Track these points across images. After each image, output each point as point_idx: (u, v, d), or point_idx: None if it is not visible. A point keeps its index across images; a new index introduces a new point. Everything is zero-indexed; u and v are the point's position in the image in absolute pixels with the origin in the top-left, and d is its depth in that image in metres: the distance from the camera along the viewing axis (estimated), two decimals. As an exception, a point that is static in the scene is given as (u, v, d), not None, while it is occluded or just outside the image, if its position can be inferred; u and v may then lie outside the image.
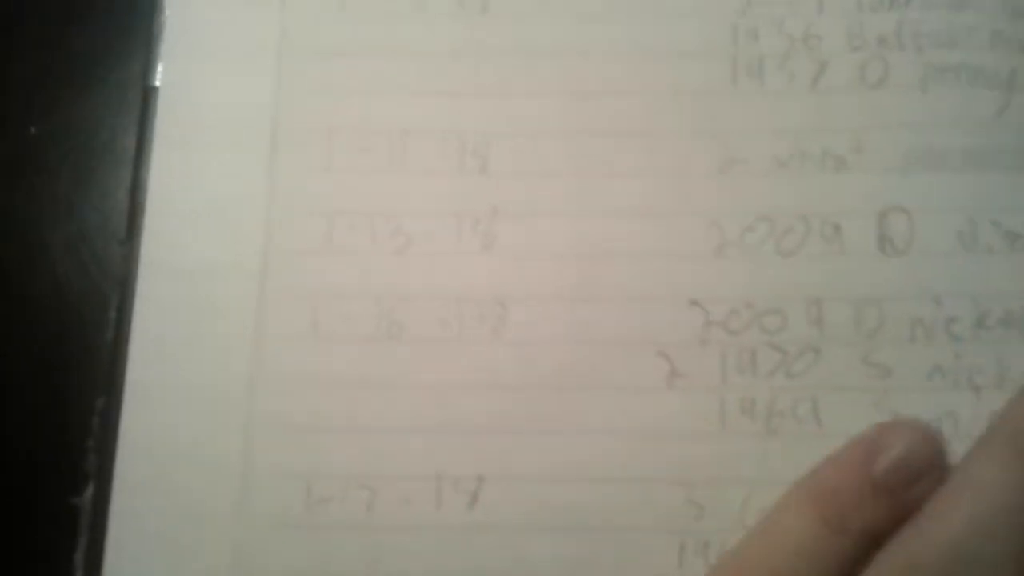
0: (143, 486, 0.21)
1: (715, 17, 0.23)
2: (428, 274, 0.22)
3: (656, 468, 0.21)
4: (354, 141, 0.23)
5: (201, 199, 0.22)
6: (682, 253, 0.22)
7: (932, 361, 0.21)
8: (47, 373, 0.22)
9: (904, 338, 0.21)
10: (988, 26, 0.23)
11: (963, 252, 0.22)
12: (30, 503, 0.21)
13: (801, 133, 0.23)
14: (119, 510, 0.21)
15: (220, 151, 0.23)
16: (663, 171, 0.23)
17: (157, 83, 0.23)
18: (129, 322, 0.22)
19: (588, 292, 0.22)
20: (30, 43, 0.24)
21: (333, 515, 0.21)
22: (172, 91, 0.23)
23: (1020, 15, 0.23)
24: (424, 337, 0.22)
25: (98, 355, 0.22)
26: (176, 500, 0.20)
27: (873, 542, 0.18)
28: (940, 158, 0.22)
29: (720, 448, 0.21)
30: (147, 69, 0.23)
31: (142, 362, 0.22)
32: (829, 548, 0.18)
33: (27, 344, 0.22)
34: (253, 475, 0.21)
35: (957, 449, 0.20)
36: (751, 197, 0.22)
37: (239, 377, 0.21)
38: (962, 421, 0.21)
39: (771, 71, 0.23)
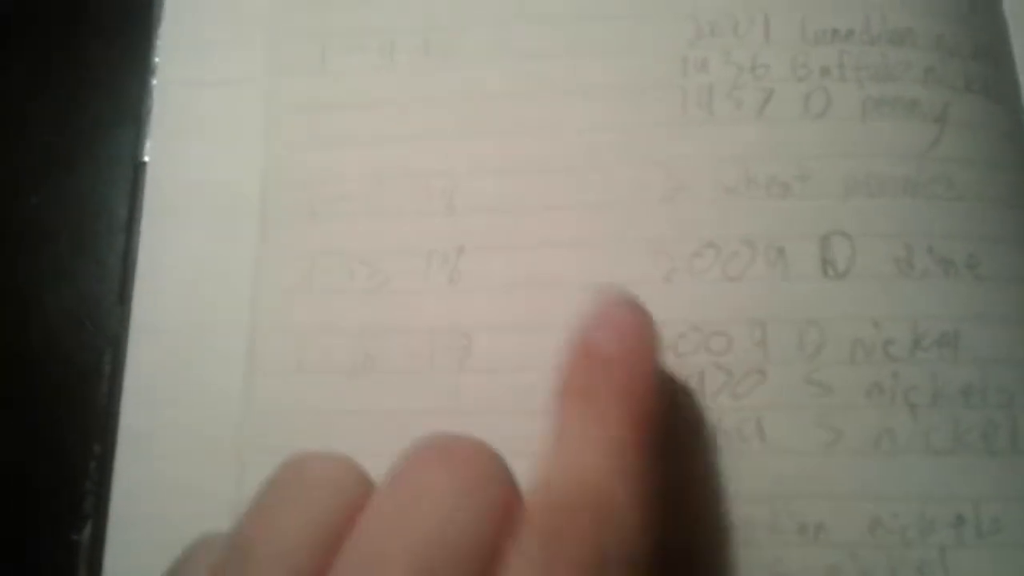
0: (137, 523, 0.23)
1: (666, 51, 0.24)
2: (400, 310, 0.23)
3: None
4: (333, 189, 0.24)
5: (189, 260, 0.24)
6: (633, 280, 0.23)
7: (871, 380, 0.22)
8: (48, 422, 0.24)
9: (844, 358, 0.22)
10: (922, 63, 0.24)
11: (900, 276, 0.23)
12: (34, 540, 0.24)
13: (748, 160, 0.23)
14: (115, 546, 0.23)
15: (207, 213, 0.25)
16: (615, 202, 0.23)
17: (146, 158, 0.25)
18: (122, 375, 0.23)
19: (546, 320, 0.22)
20: (33, 122, 0.27)
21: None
22: (160, 164, 0.25)
23: (952, 54, 0.24)
24: (396, 369, 0.23)
25: (94, 405, 0.24)
26: (170, 534, 0.20)
27: None
28: (879, 186, 0.23)
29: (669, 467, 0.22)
30: (137, 145, 0.25)
31: (135, 410, 0.23)
32: None
33: (29, 396, 0.24)
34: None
35: (891, 465, 0.21)
36: (698, 224, 0.23)
37: (229, 416, 0.23)
38: (899, 437, 0.22)
39: (719, 100, 0.24)
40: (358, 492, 0.17)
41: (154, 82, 0.26)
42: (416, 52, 0.25)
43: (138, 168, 0.25)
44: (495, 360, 0.23)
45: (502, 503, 0.17)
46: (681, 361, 0.22)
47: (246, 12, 0.26)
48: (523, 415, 0.22)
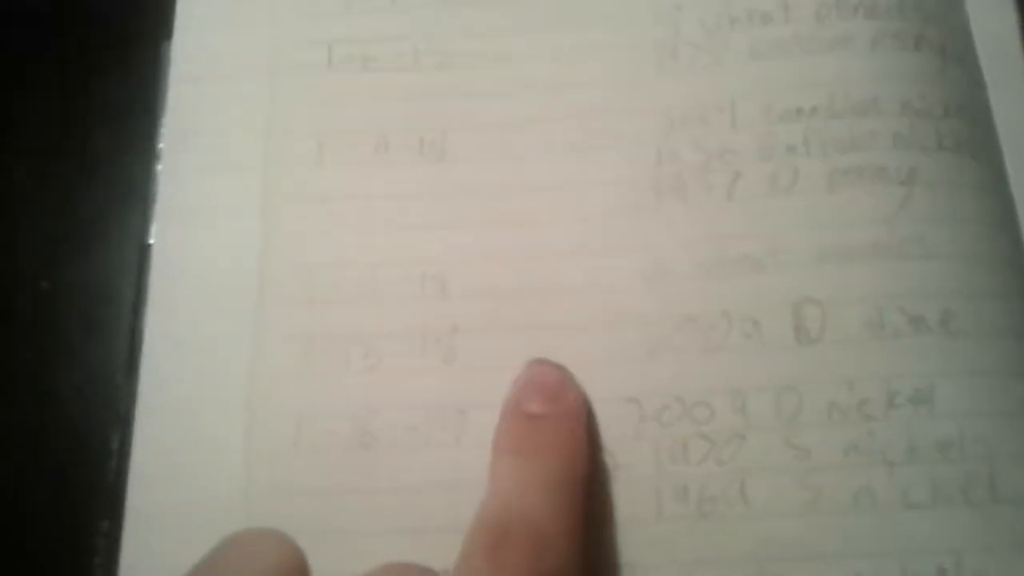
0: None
1: (641, 145, 0.26)
2: (396, 389, 0.25)
3: (600, 555, 0.23)
4: (329, 276, 0.26)
5: (192, 341, 0.26)
6: (620, 358, 0.24)
7: (848, 440, 0.23)
8: (58, 500, 0.25)
9: (821, 421, 0.23)
10: (890, 129, 0.25)
11: (872, 338, 0.24)
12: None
13: (720, 239, 0.25)
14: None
15: (208, 297, 0.26)
16: (599, 287, 0.25)
17: (151, 241, 0.27)
18: (129, 453, 0.25)
19: None
20: (42, 209, 0.28)
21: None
22: (165, 247, 0.27)
23: (921, 116, 0.26)
24: (393, 446, 0.24)
25: (102, 482, 0.25)
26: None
27: None
28: (848, 252, 0.24)
29: (657, 532, 0.23)
30: (143, 229, 0.27)
31: (140, 488, 0.25)
32: None
33: (40, 475, 0.26)
34: None
35: (871, 521, 0.22)
36: (677, 301, 0.25)
37: (231, 495, 0.24)
38: (877, 494, 0.23)
39: (691, 186, 0.26)
40: (287, 570, 0.19)
41: (159, 168, 0.27)
42: (410, 150, 0.27)
43: (144, 251, 0.26)
44: (491, 435, 0.24)
45: None
46: (665, 431, 0.24)
47: (248, 103, 0.28)
48: None
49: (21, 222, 0.28)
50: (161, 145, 0.28)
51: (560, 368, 0.24)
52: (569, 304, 0.25)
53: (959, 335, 0.24)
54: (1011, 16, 0.28)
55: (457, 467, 0.24)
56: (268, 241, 0.26)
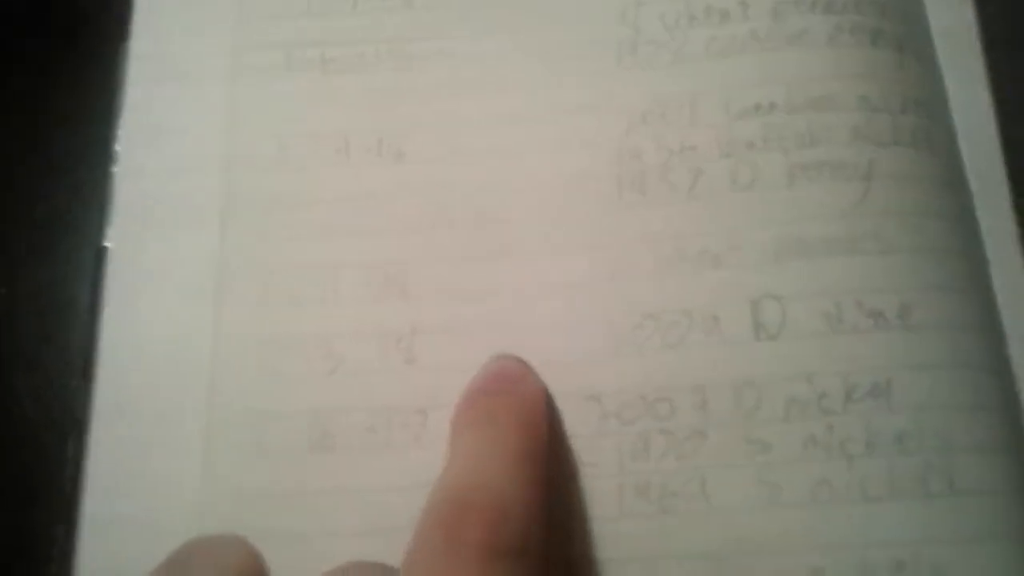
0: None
1: (602, 144, 0.26)
2: (356, 390, 0.25)
3: (563, 552, 0.23)
4: (289, 278, 0.26)
5: (150, 345, 0.26)
6: (581, 356, 0.25)
7: (807, 434, 0.23)
8: (13, 505, 0.25)
9: (780, 416, 0.23)
10: (847, 124, 0.25)
11: (831, 332, 0.24)
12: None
13: (681, 237, 0.25)
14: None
15: (167, 300, 0.26)
16: (561, 285, 0.25)
17: (108, 244, 0.27)
18: (85, 459, 0.25)
19: None
20: None
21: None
22: (122, 250, 0.27)
23: (878, 111, 0.26)
24: (353, 447, 0.24)
25: (58, 489, 0.25)
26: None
27: None
28: (807, 247, 0.25)
29: (619, 529, 0.23)
30: (99, 233, 0.27)
31: (97, 495, 0.24)
32: None
33: None
34: None
35: (830, 515, 0.22)
36: (639, 298, 0.25)
37: (189, 499, 0.24)
38: (836, 487, 0.23)
39: (652, 184, 0.26)
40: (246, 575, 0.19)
41: (115, 170, 0.27)
42: (369, 152, 0.27)
43: (100, 254, 0.26)
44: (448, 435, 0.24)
45: None
46: (627, 428, 0.24)
47: (207, 105, 0.28)
48: None
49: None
50: (118, 147, 0.27)
51: (522, 361, 0.24)
52: (530, 303, 0.25)
53: (917, 329, 0.24)
54: (969, 11, 0.28)
55: (417, 468, 0.24)
56: (228, 244, 0.26)
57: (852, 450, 0.23)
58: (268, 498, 0.24)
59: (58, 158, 0.28)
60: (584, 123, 0.27)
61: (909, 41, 0.27)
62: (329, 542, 0.24)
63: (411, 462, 0.24)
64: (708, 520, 0.23)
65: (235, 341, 0.25)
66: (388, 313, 0.25)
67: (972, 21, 0.28)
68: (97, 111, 0.28)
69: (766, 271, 0.25)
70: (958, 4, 0.28)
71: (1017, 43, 0.28)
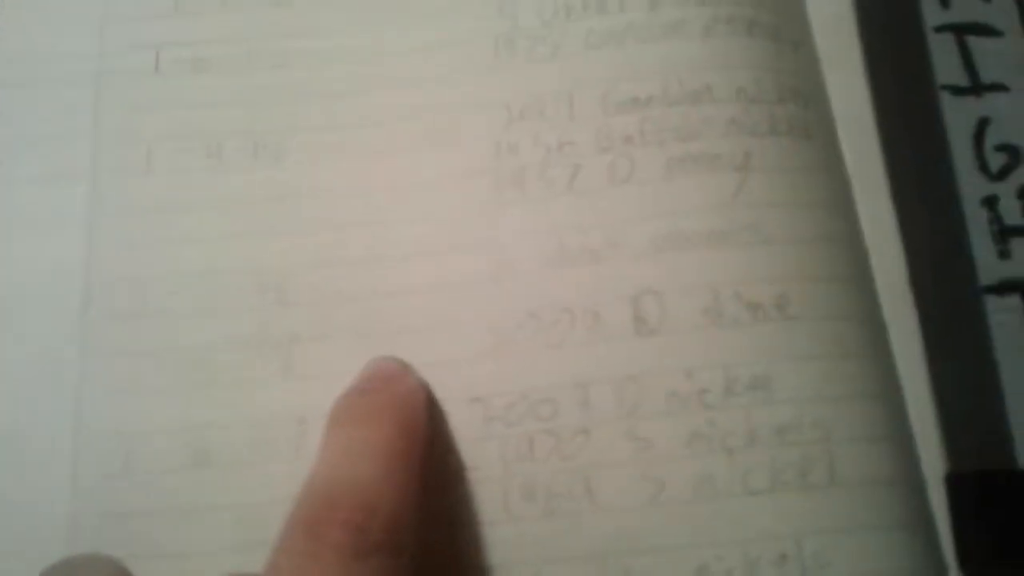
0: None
1: (480, 139, 0.26)
2: (232, 402, 0.24)
3: (448, 557, 0.23)
4: (160, 288, 0.25)
5: (15, 360, 0.25)
6: (464, 357, 0.24)
7: (689, 429, 0.23)
8: None
9: (661, 411, 0.23)
10: (723, 116, 0.25)
11: (710, 326, 0.24)
12: None
13: (561, 233, 0.25)
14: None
15: (32, 313, 0.25)
16: (441, 286, 0.25)
17: None
18: None
19: None
20: None
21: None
22: None
23: (754, 102, 0.26)
24: (231, 462, 0.24)
25: None
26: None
27: None
28: (685, 240, 0.24)
29: (506, 533, 0.23)
30: None
31: None
32: None
33: None
34: None
35: (713, 510, 0.22)
36: (521, 297, 0.24)
37: (57, 522, 0.23)
38: (719, 482, 0.23)
39: (531, 180, 0.25)
40: None
41: None
42: (244, 155, 0.26)
43: None
44: None
45: None
46: (511, 430, 0.23)
47: (74, 110, 0.27)
48: None
49: None
50: None
51: (401, 360, 0.24)
52: (412, 305, 0.25)
53: (795, 320, 0.24)
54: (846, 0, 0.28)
55: (297, 478, 0.23)
56: (95, 254, 0.25)
57: (733, 444, 0.23)
58: (141, 517, 0.23)
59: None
60: (463, 121, 0.26)
61: (786, 30, 0.27)
62: (207, 560, 0.23)
63: (290, 473, 0.23)
64: (593, 521, 0.23)
65: (104, 355, 0.25)
66: (266, 321, 0.25)
67: (850, 9, 0.28)
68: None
69: (645, 265, 0.24)
70: (836, -8, 0.28)
71: (893, 31, 0.28)
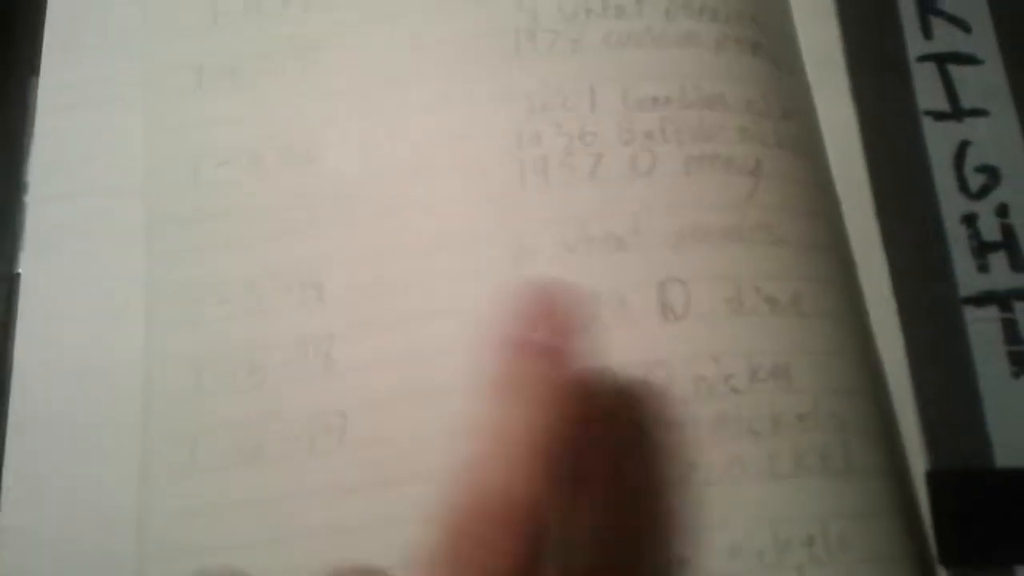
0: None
1: (502, 129, 0.26)
2: (281, 400, 0.24)
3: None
4: (210, 294, 0.25)
5: (73, 365, 0.25)
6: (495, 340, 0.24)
7: (716, 412, 0.23)
8: None
9: (689, 395, 0.23)
10: (735, 123, 0.26)
11: (733, 315, 0.24)
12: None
13: (584, 220, 0.25)
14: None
15: (90, 320, 0.25)
16: (472, 272, 0.25)
17: (19, 270, 0.26)
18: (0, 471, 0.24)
19: (420, 389, 0.24)
20: None
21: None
22: (35, 275, 0.26)
23: (762, 116, 0.27)
24: (280, 456, 0.23)
25: None
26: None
27: None
28: (706, 234, 0.25)
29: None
30: (11, 258, 0.27)
31: (16, 507, 0.24)
32: None
33: None
34: None
35: (743, 491, 0.22)
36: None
37: (125, 518, 0.23)
38: (748, 463, 0.23)
39: (554, 168, 0.25)
40: None
41: (27, 198, 0.27)
42: (280, 158, 0.26)
43: (13, 280, 0.26)
44: (371, 434, 0.23)
45: None
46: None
47: (121, 129, 0.27)
48: (402, 484, 0.23)
49: None
50: (29, 175, 0.27)
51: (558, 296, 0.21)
52: (442, 292, 0.25)
53: (808, 316, 0.25)
54: (834, 31, 0.30)
55: (339, 470, 0.23)
56: (151, 264, 0.26)
57: (759, 428, 0.23)
58: (206, 512, 0.23)
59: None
60: (486, 111, 0.26)
61: (782, 57, 0.29)
62: (269, 550, 0.23)
63: (334, 465, 0.23)
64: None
65: (166, 360, 0.25)
66: (307, 320, 0.25)
67: (837, 40, 0.30)
68: (8, 136, 0.28)
69: (669, 255, 0.25)
70: (824, 24, 0.30)
71: (879, 60, 0.30)
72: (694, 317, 0.24)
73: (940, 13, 0.30)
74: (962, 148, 0.28)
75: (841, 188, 0.28)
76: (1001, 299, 0.27)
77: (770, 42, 0.28)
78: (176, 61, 0.28)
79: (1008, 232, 0.28)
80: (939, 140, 0.29)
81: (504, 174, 0.25)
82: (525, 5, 0.27)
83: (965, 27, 0.30)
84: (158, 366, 0.25)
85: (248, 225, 0.26)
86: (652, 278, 0.24)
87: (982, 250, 0.27)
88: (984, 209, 0.28)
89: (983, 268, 0.27)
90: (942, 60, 0.30)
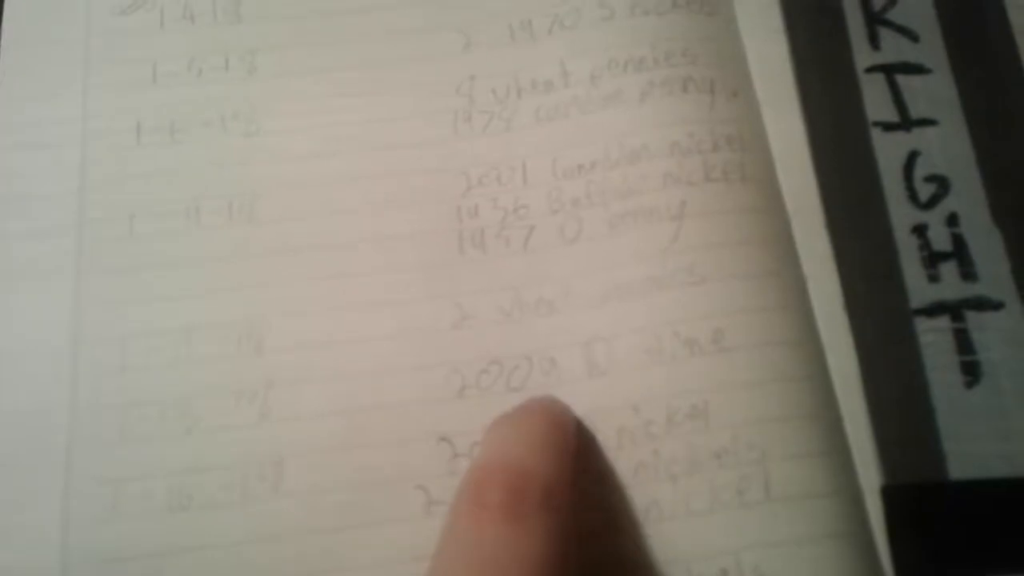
0: None
1: (443, 202, 0.29)
2: (214, 447, 0.26)
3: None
4: (143, 344, 0.27)
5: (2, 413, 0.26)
6: (431, 399, 0.26)
7: (636, 460, 0.25)
8: None
9: (613, 445, 0.26)
10: (660, 170, 0.28)
11: (653, 364, 0.26)
12: None
13: (519, 287, 0.27)
14: None
15: (19, 367, 0.27)
16: (411, 332, 0.27)
17: None
18: None
19: (355, 440, 0.26)
20: None
21: None
22: None
23: (688, 154, 0.28)
24: (211, 504, 0.25)
25: None
26: None
27: None
28: (628, 289, 0.27)
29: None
30: None
31: None
32: None
33: None
34: None
35: (659, 533, 0.24)
36: (483, 345, 0.27)
37: (48, 561, 0.24)
38: (664, 507, 0.25)
39: (490, 239, 0.28)
40: None
41: None
42: (220, 215, 0.28)
43: None
44: (305, 483, 0.26)
45: None
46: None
47: (60, 173, 0.29)
48: (334, 532, 0.25)
49: None
50: None
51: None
52: (381, 351, 0.27)
53: (730, 351, 0.26)
54: (783, 44, 0.30)
55: (276, 517, 0.25)
56: (80, 312, 0.27)
57: (676, 470, 0.25)
58: (129, 561, 0.25)
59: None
60: (427, 185, 0.29)
61: (723, 82, 0.30)
62: None
63: (270, 512, 0.25)
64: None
65: (92, 407, 0.26)
66: (243, 370, 0.27)
67: (786, 56, 0.30)
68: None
69: (595, 314, 0.27)
70: (772, 39, 0.31)
71: (827, 72, 0.30)
72: (616, 371, 0.26)
73: (888, 23, 0.30)
74: (911, 158, 0.28)
75: (791, 205, 0.29)
76: (952, 309, 0.27)
77: (706, 71, 0.29)
78: (116, 116, 0.29)
79: (958, 241, 0.27)
80: (889, 151, 0.29)
81: (444, 243, 0.28)
82: (462, 89, 0.30)
83: (913, 37, 0.30)
84: (84, 411, 0.26)
85: (184, 277, 0.27)
86: (578, 339, 0.27)
87: (932, 260, 0.27)
88: (934, 219, 0.28)
89: (934, 278, 0.27)
90: (890, 71, 0.29)
